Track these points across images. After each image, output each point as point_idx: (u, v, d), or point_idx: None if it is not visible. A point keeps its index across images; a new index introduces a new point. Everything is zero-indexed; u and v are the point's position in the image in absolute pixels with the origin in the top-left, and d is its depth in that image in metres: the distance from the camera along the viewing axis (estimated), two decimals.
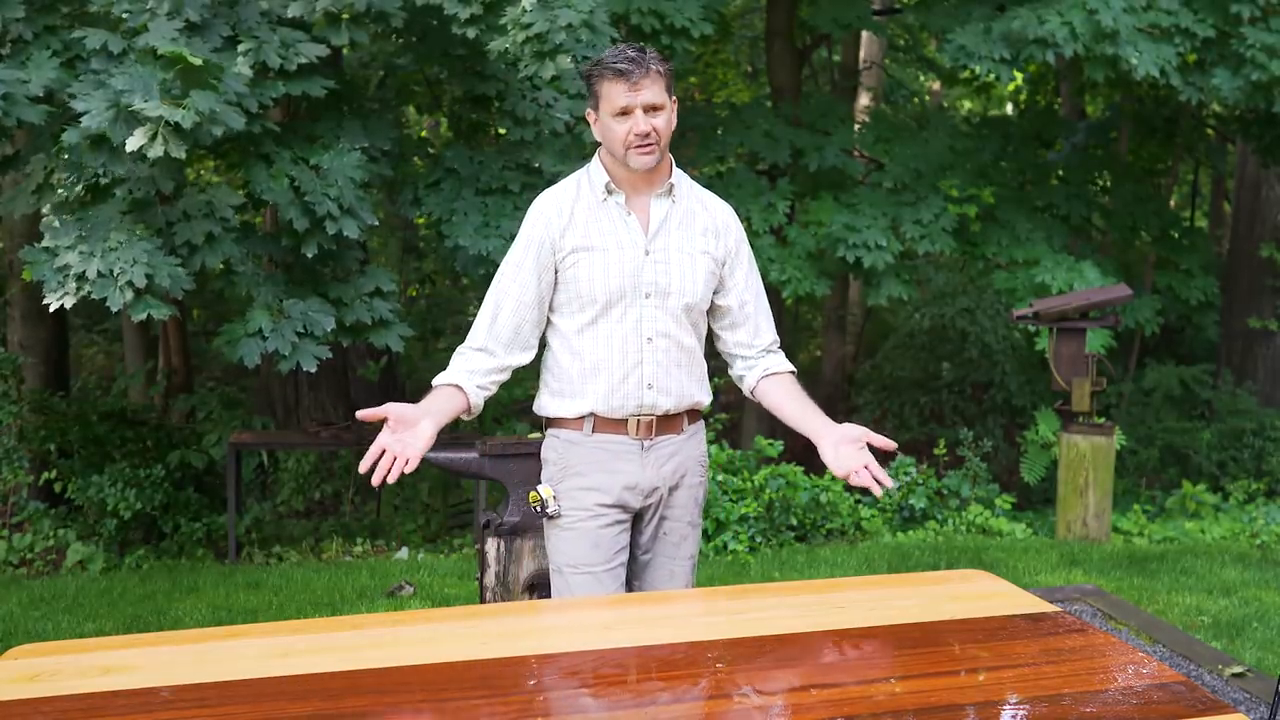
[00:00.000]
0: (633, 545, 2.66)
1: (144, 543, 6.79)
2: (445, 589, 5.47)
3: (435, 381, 2.53)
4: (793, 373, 2.71)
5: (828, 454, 2.50)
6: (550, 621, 2.17)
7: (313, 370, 5.62)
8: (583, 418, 2.58)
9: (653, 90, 2.44)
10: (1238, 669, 4.19)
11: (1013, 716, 1.75)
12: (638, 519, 2.65)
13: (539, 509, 2.59)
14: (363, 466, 2.23)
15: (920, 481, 7.08)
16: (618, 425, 2.57)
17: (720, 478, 6.54)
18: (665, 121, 2.48)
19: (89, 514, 6.78)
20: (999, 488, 7.61)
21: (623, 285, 2.52)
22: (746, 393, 2.73)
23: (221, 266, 5.74)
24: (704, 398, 2.68)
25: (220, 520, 6.85)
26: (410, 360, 10.47)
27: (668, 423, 2.61)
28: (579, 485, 2.58)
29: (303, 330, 5.54)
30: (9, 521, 6.92)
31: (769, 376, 2.68)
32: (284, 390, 9.32)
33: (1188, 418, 10.13)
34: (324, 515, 8.12)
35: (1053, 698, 1.79)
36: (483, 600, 2.47)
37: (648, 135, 2.45)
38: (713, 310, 2.68)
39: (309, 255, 5.53)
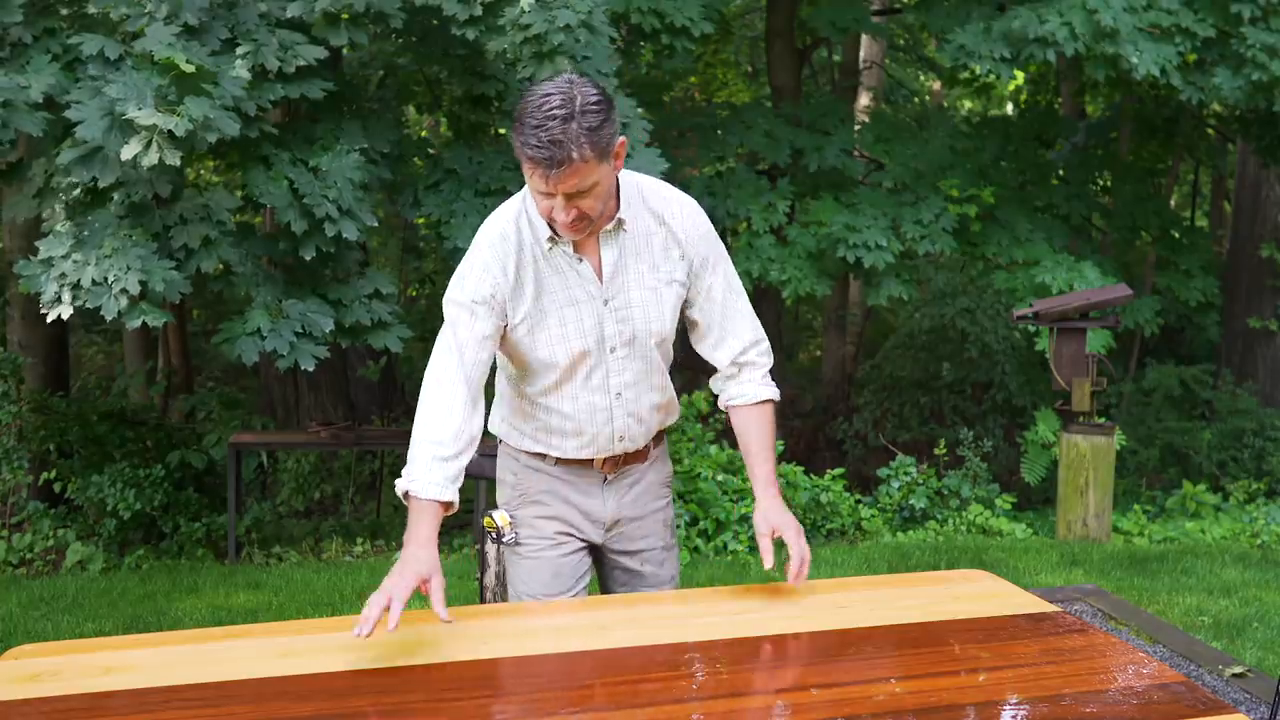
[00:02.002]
0: (610, 582, 2.53)
1: (144, 543, 6.79)
2: (445, 589, 5.47)
3: (420, 492, 2.12)
4: (762, 402, 2.39)
5: (756, 515, 2.35)
6: (550, 622, 2.17)
7: (310, 370, 5.63)
8: (543, 454, 2.41)
9: (576, 179, 2.04)
10: (1238, 669, 4.18)
11: (1013, 717, 1.75)
12: (606, 557, 2.50)
13: (494, 536, 2.43)
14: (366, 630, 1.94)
15: (920, 481, 7.08)
16: (583, 462, 2.40)
17: (720, 478, 6.54)
18: (597, 197, 2.10)
19: (89, 514, 6.78)
20: (999, 488, 7.61)
21: (585, 345, 2.25)
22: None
23: (221, 267, 5.75)
24: (672, 420, 2.50)
25: (220, 520, 6.85)
26: (410, 361, 10.47)
27: (634, 454, 2.44)
28: (537, 514, 2.42)
29: (301, 330, 5.54)
30: (9, 521, 6.92)
31: (734, 408, 2.41)
32: (284, 390, 9.33)
33: (1188, 418, 10.13)
34: (324, 515, 8.12)
35: (1053, 698, 1.79)
36: (483, 600, 2.46)
37: (574, 222, 2.11)
38: (685, 321, 2.41)
39: (307, 257, 5.54)
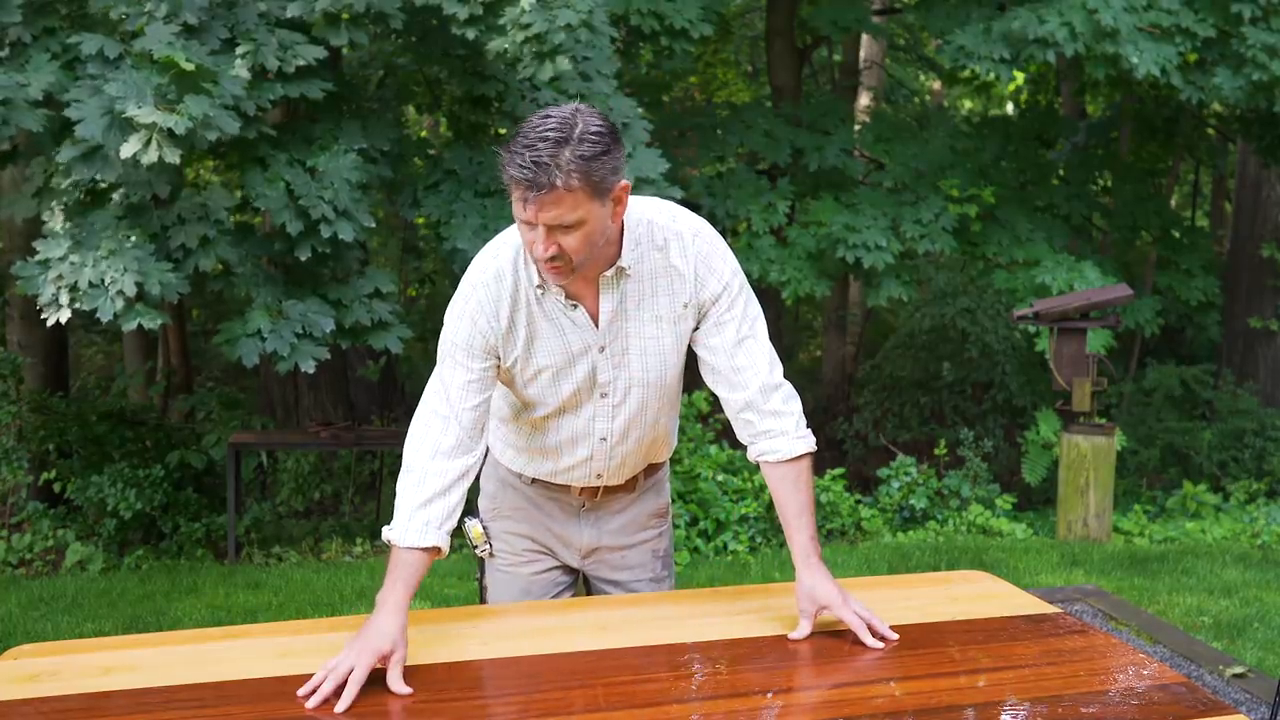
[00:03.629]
0: None
1: (143, 543, 6.79)
2: (445, 589, 5.47)
3: (405, 540, 2.02)
4: (797, 457, 2.16)
5: (797, 590, 2.11)
6: (550, 622, 2.16)
7: (310, 371, 5.63)
8: (520, 473, 2.35)
9: (559, 210, 1.86)
10: (1239, 669, 4.18)
11: (1013, 718, 1.75)
12: (589, 581, 2.45)
13: (471, 546, 2.41)
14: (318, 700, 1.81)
15: (921, 482, 7.07)
16: (560, 485, 2.32)
17: (720, 478, 6.54)
18: (585, 236, 1.91)
19: (88, 514, 6.78)
20: (999, 488, 7.61)
21: (576, 389, 2.14)
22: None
23: (220, 267, 5.76)
24: (666, 455, 2.39)
25: (220, 520, 6.85)
26: (410, 361, 10.47)
27: (618, 485, 2.33)
28: (509, 529, 2.38)
29: (301, 331, 5.54)
30: (9, 521, 6.91)
31: (766, 463, 2.18)
32: (284, 390, 9.33)
33: (1189, 418, 10.13)
34: (324, 515, 8.12)
35: (1053, 699, 1.79)
36: (482, 600, 2.46)
37: (553, 259, 1.93)
38: (697, 359, 2.23)
39: (302, 258, 5.54)
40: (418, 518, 2.03)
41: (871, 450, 10.21)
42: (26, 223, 7.12)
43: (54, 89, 5.10)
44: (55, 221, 5.45)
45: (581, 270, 1.98)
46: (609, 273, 2.05)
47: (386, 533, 2.04)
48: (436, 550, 2.04)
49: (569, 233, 1.89)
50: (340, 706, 1.78)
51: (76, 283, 5.05)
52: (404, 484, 2.07)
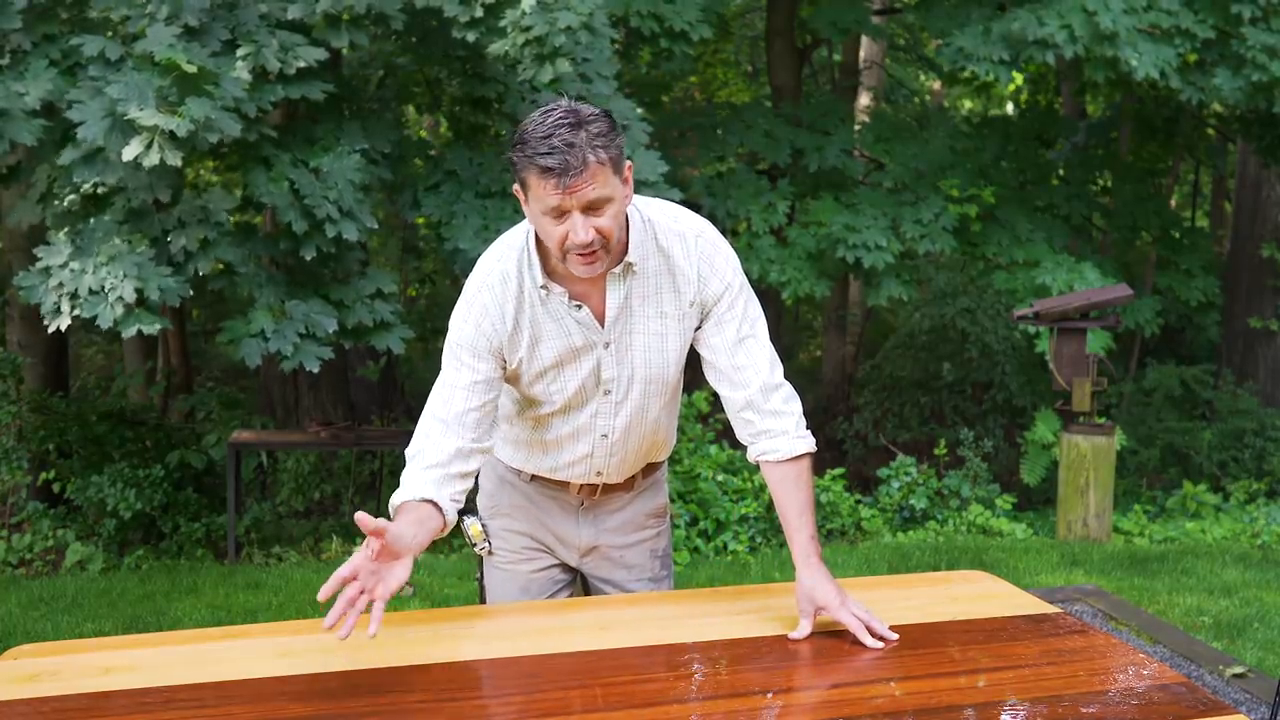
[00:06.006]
0: None
1: (143, 543, 6.79)
2: (445, 589, 5.47)
3: (402, 497, 2.00)
4: (797, 457, 2.17)
5: (797, 590, 2.11)
6: (549, 622, 2.17)
7: (315, 370, 5.64)
8: (519, 469, 2.36)
9: (594, 186, 1.90)
10: (1239, 669, 4.18)
11: (1013, 718, 1.75)
12: (588, 580, 2.45)
13: (470, 544, 2.42)
14: (324, 596, 1.82)
15: (921, 482, 7.08)
16: (559, 483, 2.33)
17: (720, 478, 6.54)
18: (614, 216, 1.95)
19: (88, 514, 6.78)
20: (999, 488, 7.61)
21: (581, 386, 2.16)
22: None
23: (221, 267, 5.76)
24: (665, 454, 2.41)
25: (220, 520, 6.85)
26: (410, 361, 10.47)
27: (616, 484, 2.34)
28: (507, 527, 2.39)
29: (304, 331, 5.55)
30: (9, 521, 6.92)
31: (766, 463, 2.19)
32: (284, 390, 9.33)
33: (1189, 418, 10.13)
34: (324, 515, 8.11)
35: (1053, 699, 1.79)
36: (482, 600, 2.46)
37: (590, 244, 1.95)
38: (700, 359, 2.25)
39: (307, 257, 5.54)
40: (424, 476, 2.02)
41: (871, 450, 10.21)
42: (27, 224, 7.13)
43: (52, 96, 5.10)
44: (55, 233, 5.47)
45: (608, 260, 2.00)
46: (616, 269, 2.07)
47: (393, 501, 2.00)
48: (442, 511, 2.00)
49: (601, 212, 1.93)
50: (372, 629, 1.80)
51: (76, 290, 5.06)
52: (412, 463, 2.07)
